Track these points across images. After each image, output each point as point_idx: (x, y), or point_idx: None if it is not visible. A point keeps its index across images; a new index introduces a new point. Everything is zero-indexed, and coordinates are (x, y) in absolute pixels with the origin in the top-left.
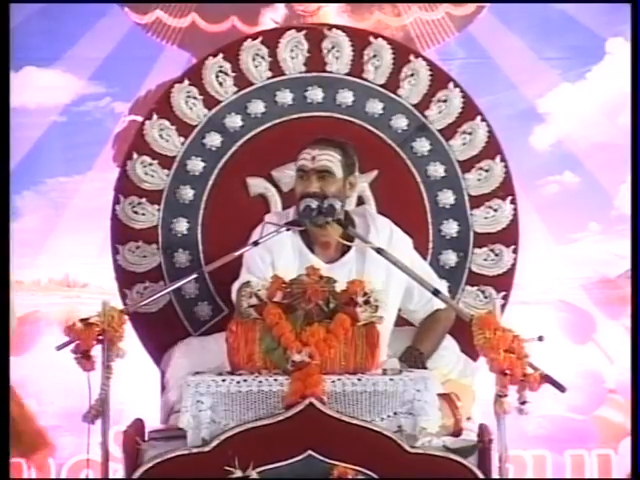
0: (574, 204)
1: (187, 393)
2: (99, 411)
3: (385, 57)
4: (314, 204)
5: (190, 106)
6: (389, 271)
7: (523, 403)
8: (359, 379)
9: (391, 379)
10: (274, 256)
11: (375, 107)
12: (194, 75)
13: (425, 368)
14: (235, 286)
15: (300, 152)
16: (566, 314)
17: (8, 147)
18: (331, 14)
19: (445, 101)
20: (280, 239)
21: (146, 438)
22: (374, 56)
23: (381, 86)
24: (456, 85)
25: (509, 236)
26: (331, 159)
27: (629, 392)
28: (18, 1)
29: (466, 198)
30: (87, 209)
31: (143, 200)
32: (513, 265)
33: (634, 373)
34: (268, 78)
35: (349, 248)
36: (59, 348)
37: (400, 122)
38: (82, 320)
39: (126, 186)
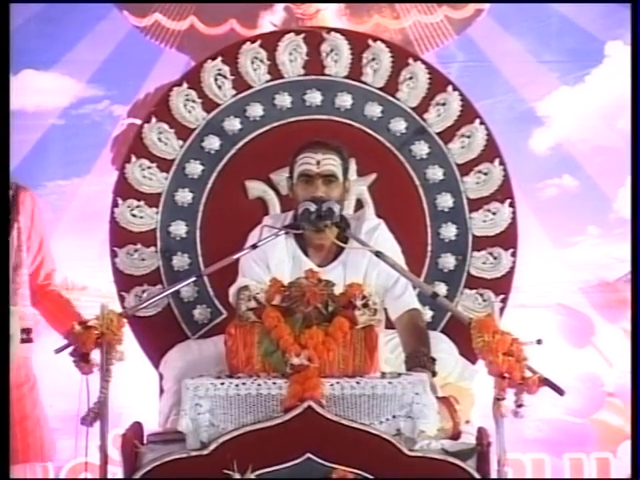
0: (573, 207)
1: (186, 396)
2: (97, 414)
3: (384, 60)
4: (313, 207)
5: (189, 109)
6: (376, 272)
7: (520, 406)
8: (358, 382)
9: (390, 382)
10: (269, 259)
11: (374, 110)
12: (193, 78)
13: (435, 372)
14: (232, 290)
15: (297, 155)
16: (565, 317)
17: (8, 150)
18: (330, 17)
19: (444, 104)
20: (275, 242)
21: (145, 441)
22: (373, 59)
23: (380, 89)
24: (455, 88)
25: (508, 239)
26: (334, 163)
27: (628, 395)
28: (17, 2)
29: (465, 201)
30: (86, 212)
31: (141, 203)
32: (512, 268)
33: (634, 377)
34: (267, 81)
35: (341, 252)
36: (58, 351)
37: (399, 125)
38: (81, 323)
39: (125, 189)
